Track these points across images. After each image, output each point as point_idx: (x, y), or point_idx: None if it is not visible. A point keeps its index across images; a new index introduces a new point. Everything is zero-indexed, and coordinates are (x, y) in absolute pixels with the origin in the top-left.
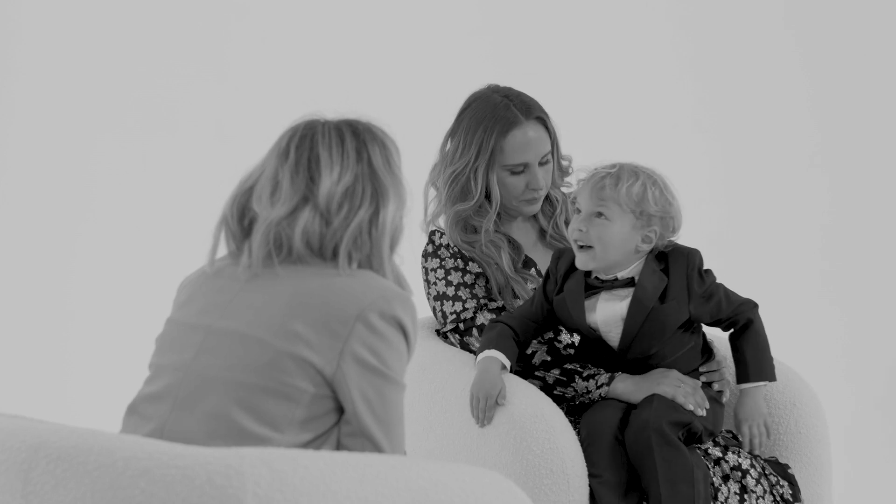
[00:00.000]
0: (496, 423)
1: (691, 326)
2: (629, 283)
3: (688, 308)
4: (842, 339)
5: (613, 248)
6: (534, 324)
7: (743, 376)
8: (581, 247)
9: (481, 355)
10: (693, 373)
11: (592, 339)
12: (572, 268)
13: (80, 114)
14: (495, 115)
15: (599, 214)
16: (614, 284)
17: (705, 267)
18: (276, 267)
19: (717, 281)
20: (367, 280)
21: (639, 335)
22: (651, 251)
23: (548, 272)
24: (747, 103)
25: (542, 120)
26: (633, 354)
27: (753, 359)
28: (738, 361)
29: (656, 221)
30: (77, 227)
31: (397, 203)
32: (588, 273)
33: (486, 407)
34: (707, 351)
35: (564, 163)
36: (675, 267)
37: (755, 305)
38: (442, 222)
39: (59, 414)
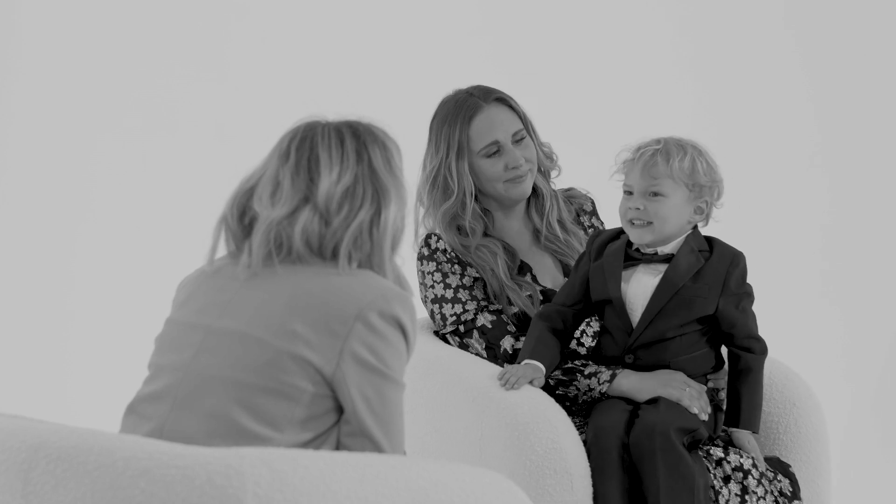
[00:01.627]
0: (499, 423)
1: (711, 331)
2: (667, 259)
3: (717, 300)
4: (841, 340)
5: (670, 222)
6: (571, 309)
7: (732, 421)
8: (635, 224)
9: (522, 363)
10: (699, 378)
11: (616, 314)
12: (608, 242)
13: (81, 114)
14: (456, 109)
15: (655, 193)
16: (653, 258)
17: (748, 279)
18: (276, 266)
19: (750, 306)
20: (367, 280)
21: (663, 311)
22: (695, 229)
23: (581, 254)
24: (747, 103)
25: (504, 100)
26: (651, 336)
27: (747, 410)
28: (732, 405)
29: (706, 191)
30: (77, 227)
31: (399, 204)
32: (629, 245)
33: (519, 378)
34: (719, 362)
35: (545, 149)
36: (718, 257)
37: (765, 351)
38: (434, 225)
39: (59, 414)
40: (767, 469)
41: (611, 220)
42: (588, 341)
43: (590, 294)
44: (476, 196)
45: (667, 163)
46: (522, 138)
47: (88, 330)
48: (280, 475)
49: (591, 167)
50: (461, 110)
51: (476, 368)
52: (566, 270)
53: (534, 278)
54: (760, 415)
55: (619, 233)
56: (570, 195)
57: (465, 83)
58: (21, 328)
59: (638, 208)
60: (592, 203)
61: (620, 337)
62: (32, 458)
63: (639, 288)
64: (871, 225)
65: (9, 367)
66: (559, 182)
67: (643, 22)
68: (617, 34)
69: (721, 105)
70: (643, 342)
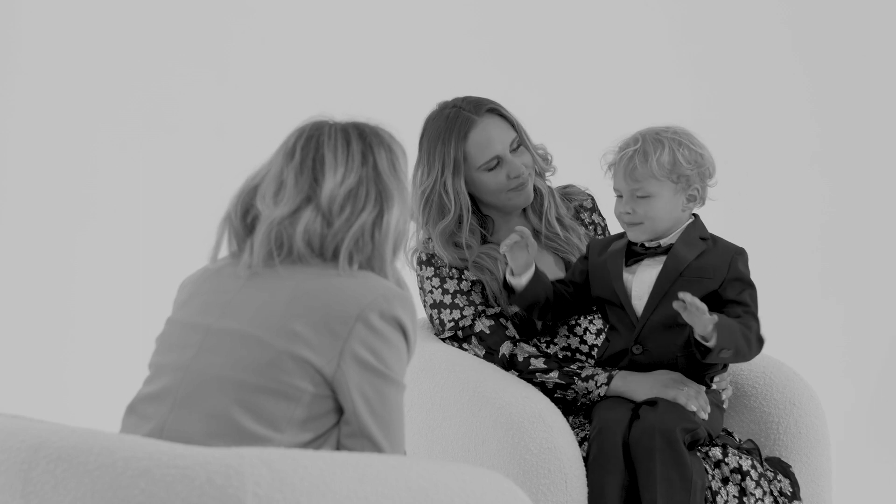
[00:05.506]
0: (494, 423)
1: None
2: (670, 249)
3: (722, 280)
4: (841, 339)
5: (662, 218)
6: (566, 288)
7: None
8: (629, 224)
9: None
10: (703, 377)
11: (620, 307)
12: (610, 242)
13: (80, 114)
14: (449, 126)
15: (640, 196)
16: (657, 251)
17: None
18: (277, 266)
19: (754, 302)
20: (367, 280)
21: (668, 294)
22: (696, 218)
23: (583, 255)
24: (747, 103)
25: (495, 110)
26: (658, 321)
27: (724, 324)
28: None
29: (695, 178)
30: (77, 227)
31: (402, 208)
32: (632, 243)
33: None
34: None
35: (540, 151)
36: (722, 247)
37: (762, 342)
38: (431, 248)
39: (59, 414)
40: (767, 469)
41: (612, 217)
42: (591, 339)
43: (588, 287)
44: (475, 207)
45: (645, 163)
46: (518, 146)
47: (88, 330)
48: (280, 475)
49: (590, 167)
50: (454, 126)
51: (471, 368)
52: (568, 267)
53: None
54: (725, 345)
55: (621, 235)
56: (567, 192)
57: (463, 83)
58: (21, 328)
59: (628, 212)
60: (592, 200)
61: (626, 331)
62: (32, 458)
63: (643, 277)
64: (872, 224)
65: (9, 367)
66: (556, 179)
67: (643, 21)
68: (617, 33)
69: (721, 105)
70: (650, 330)
